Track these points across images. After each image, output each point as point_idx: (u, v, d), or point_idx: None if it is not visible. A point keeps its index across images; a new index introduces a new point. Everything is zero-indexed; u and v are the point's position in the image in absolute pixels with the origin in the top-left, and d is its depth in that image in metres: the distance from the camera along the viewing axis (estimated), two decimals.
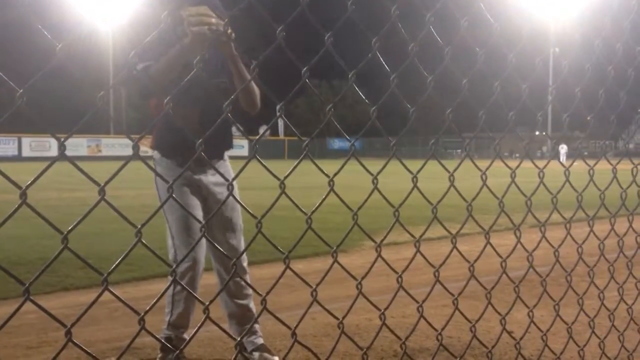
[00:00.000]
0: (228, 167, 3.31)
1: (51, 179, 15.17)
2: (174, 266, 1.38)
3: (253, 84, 3.01)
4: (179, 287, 3.04)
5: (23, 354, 3.56)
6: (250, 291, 3.33)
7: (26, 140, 41.45)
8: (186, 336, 3.23)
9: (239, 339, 1.55)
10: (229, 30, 2.72)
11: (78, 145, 41.94)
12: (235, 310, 3.31)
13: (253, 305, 3.36)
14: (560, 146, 37.06)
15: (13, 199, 1.12)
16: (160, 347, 3.26)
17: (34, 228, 6.59)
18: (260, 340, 3.36)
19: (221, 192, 3.15)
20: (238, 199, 3.05)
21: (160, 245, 3.93)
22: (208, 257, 3.28)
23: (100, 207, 1.24)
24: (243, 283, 3.26)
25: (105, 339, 3.79)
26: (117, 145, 42.74)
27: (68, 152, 1.13)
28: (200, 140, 1.38)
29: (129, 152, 1.29)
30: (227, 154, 3.36)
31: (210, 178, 3.21)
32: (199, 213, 3.14)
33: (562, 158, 33.44)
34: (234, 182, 3.27)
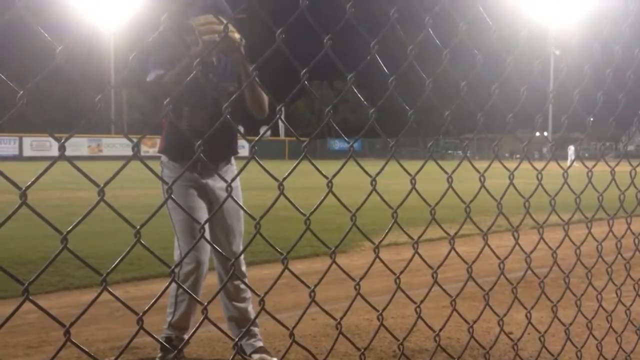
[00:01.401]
0: (235, 171, 3.33)
1: (54, 179, 15.11)
2: (173, 267, 1.39)
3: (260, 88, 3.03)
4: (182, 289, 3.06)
5: (24, 353, 3.57)
6: (249, 294, 3.37)
7: (27, 140, 41.48)
8: (186, 337, 3.24)
9: (236, 339, 1.56)
10: (239, 36, 2.75)
11: (79, 145, 41.93)
12: (234, 313, 3.35)
13: (252, 308, 3.39)
14: (568, 147, 37.19)
15: (16, 199, 1.12)
16: (160, 347, 3.27)
17: (37, 228, 6.58)
18: (260, 343, 3.38)
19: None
20: (241, 203, 3.08)
21: (161, 245, 3.96)
22: (211, 259, 3.30)
23: (102, 207, 1.24)
24: (242, 286, 3.28)
25: (104, 338, 3.81)
26: (118, 145, 42.74)
27: (69, 152, 1.14)
28: (198, 142, 1.39)
29: (129, 151, 1.28)
30: (233, 158, 3.39)
31: (217, 183, 3.24)
32: (203, 215, 3.16)
33: (570, 159, 33.23)
34: (239, 187, 3.32)
